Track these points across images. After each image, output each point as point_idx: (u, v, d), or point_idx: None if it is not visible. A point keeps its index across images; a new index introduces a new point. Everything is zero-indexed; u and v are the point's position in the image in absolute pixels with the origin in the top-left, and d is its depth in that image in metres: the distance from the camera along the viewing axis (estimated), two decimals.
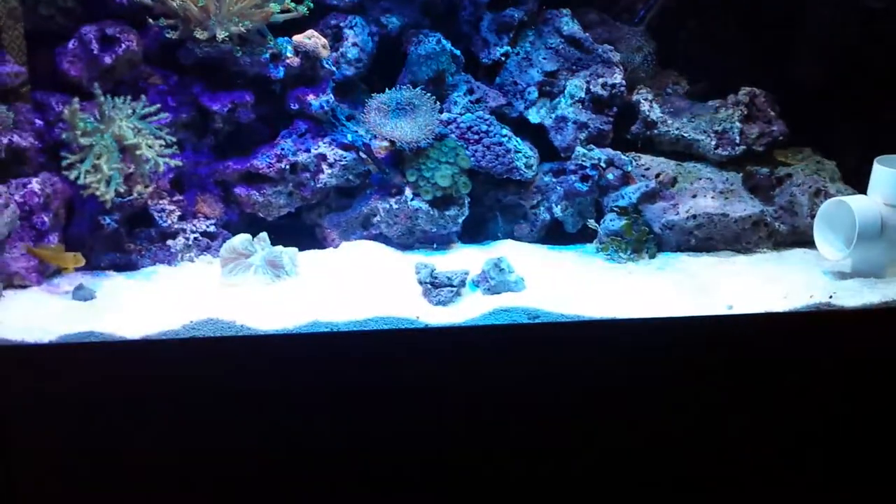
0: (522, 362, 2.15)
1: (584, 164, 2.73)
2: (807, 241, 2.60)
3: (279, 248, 2.49)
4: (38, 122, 2.46)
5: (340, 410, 2.11)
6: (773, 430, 2.22)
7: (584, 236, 2.77)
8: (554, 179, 2.80)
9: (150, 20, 2.46)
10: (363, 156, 2.69)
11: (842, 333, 2.24)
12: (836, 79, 2.91)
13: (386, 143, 2.69)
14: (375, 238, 2.73)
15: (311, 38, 2.63)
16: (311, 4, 2.59)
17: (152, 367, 2.06)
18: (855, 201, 2.39)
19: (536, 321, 2.19)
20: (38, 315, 2.17)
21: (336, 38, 2.77)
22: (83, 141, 2.34)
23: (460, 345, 2.17)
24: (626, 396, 2.17)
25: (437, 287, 2.29)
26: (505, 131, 2.76)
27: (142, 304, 2.26)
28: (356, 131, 2.74)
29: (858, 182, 2.60)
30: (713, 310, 2.24)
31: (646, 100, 2.86)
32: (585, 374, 2.16)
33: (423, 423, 2.14)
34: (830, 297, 2.27)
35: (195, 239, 2.60)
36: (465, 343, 2.17)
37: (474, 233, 2.81)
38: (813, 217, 2.54)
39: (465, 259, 2.59)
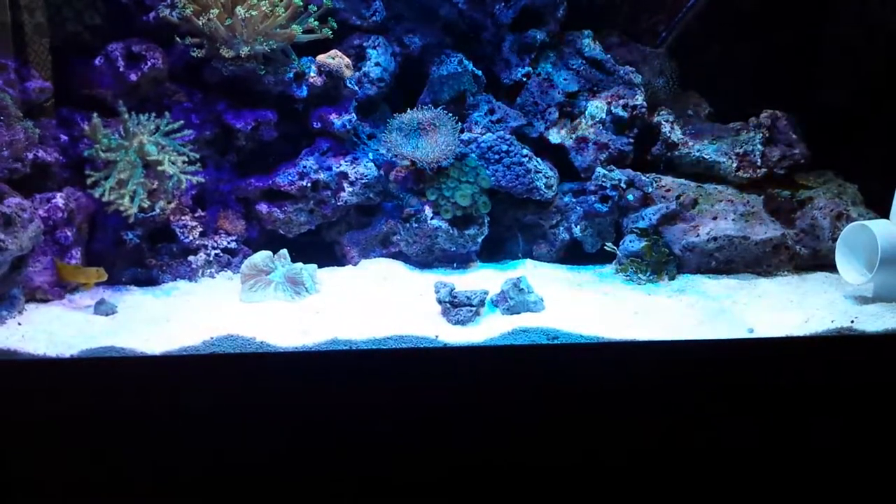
0: (541, 383, 2.14)
1: (604, 184, 2.73)
2: (828, 265, 2.59)
3: (299, 265, 2.51)
4: (64, 137, 2.49)
5: (359, 428, 2.10)
6: (794, 454, 2.20)
7: (602, 257, 2.77)
8: (574, 200, 2.80)
9: (178, 38, 2.49)
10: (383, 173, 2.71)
11: (864, 358, 2.22)
12: (858, 102, 2.90)
13: (407, 163, 2.71)
14: (394, 256, 2.74)
15: (335, 58, 2.66)
16: (335, 25, 2.61)
17: (172, 383, 2.07)
18: (877, 226, 2.37)
19: (555, 342, 2.19)
20: (59, 329, 2.18)
21: (359, 58, 2.80)
22: (107, 157, 2.37)
23: (479, 364, 2.17)
24: (646, 418, 2.15)
25: (456, 306, 2.29)
26: (525, 151, 2.77)
27: (162, 320, 2.27)
28: (377, 150, 2.76)
29: (880, 206, 2.59)
30: (734, 333, 2.22)
31: (667, 121, 2.87)
32: (604, 395, 2.14)
33: (441, 442, 2.14)
34: (852, 321, 2.25)
35: (216, 255, 2.61)
36: (484, 363, 2.17)
37: (493, 252, 2.82)
38: (834, 241, 2.52)
39: (484, 278, 2.59)
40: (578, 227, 2.77)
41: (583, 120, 2.83)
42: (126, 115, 2.42)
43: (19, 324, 2.19)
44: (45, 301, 2.35)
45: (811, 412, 2.18)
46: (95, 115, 2.40)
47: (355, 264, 2.74)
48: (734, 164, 2.78)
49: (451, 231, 2.64)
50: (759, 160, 2.78)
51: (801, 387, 2.17)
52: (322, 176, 2.67)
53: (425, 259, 2.71)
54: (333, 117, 2.68)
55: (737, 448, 2.18)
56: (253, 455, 2.07)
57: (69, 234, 2.39)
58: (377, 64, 2.78)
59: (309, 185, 2.67)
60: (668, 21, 3.03)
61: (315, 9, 2.60)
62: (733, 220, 2.65)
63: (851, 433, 2.20)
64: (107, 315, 2.30)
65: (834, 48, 2.96)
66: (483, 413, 2.13)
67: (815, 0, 2.93)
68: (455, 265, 2.71)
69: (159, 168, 2.42)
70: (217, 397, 2.07)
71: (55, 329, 2.18)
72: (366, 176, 2.70)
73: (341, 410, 2.10)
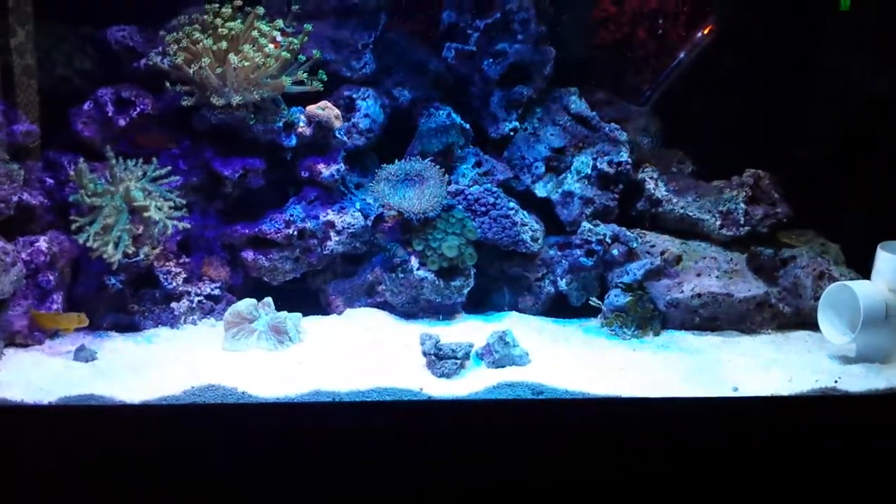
0: (526, 438, 2.13)
1: (589, 238, 2.75)
2: (810, 324, 2.60)
3: (283, 313, 2.49)
4: (49, 180, 2.48)
5: (340, 481, 2.07)
6: None
7: (588, 311, 2.77)
8: (559, 253, 2.81)
9: (168, 84, 2.50)
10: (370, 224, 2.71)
11: (848, 418, 2.23)
12: (840, 163, 2.95)
13: (394, 213, 2.71)
14: (380, 306, 2.73)
15: (325, 109, 2.67)
16: (325, 78, 2.63)
17: (152, 433, 2.04)
18: (859, 286, 2.40)
19: (541, 397, 2.18)
20: (38, 375, 2.15)
21: (348, 109, 2.81)
22: (93, 202, 2.35)
23: (464, 419, 2.15)
24: (629, 475, 2.14)
25: (441, 359, 2.28)
26: (512, 204, 2.79)
27: (143, 368, 2.24)
28: (365, 199, 2.77)
29: (862, 266, 2.61)
30: (719, 391, 2.22)
31: (651, 178, 2.89)
32: (589, 452, 2.13)
33: (423, 496, 2.11)
34: (836, 381, 2.26)
35: (199, 302, 2.59)
36: (468, 417, 2.15)
37: (479, 303, 2.81)
38: (817, 300, 2.54)
39: (469, 330, 2.58)
40: (564, 280, 2.78)
41: (569, 175, 2.85)
42: (113, 161, 2.41)
43: None
44: (24, 346, 2.32)
45: (795, 472, 2.17)
46: (81, 159, 2.39)
47: (340, 313, 2.72)
48: (718, 222, 2.81)
49: (437, 282, 2.64)
50: (742, 218, 2.80)
51: (786, 446, 2.17)
52: (309, 224, 2.67)
53: (411, 309, 2.70)
54: (322, 167, 2.69)
55: None
56: None
57: (51, 278, 2.37)
58: (366, 115, 2.80)
59: (295, 233, 2.66)
60: (653, 80, 3.08)
61: (304, 59, 2.62)
62: (717, 276, 2.67)
63: (835, 493, 2.20)
64: (87, 361, 2.26)
65: (817, 108, 3.02)
66: (466, 468, 2.11)
67: (796, 61, 2.99)
68: (440, 316, 2.70)
69: (145, 214, 2.41)
70: (197, 448, 2.04)
71: (33, 375, 2.14)
72: (353, 225, 2.70)
73: (323, 463, 2.07)
